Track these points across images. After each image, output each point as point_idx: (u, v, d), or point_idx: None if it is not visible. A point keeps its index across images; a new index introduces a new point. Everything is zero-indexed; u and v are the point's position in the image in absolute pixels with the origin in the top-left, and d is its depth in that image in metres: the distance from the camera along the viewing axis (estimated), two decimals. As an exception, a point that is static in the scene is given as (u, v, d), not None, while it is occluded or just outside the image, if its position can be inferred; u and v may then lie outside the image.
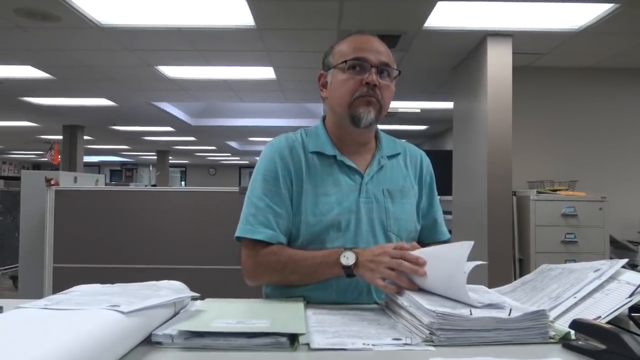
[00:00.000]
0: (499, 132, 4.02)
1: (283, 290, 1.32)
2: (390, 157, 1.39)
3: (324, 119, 1.43)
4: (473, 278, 1.15)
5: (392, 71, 1.31)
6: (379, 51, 1.30)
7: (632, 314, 0.92)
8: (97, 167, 20.42)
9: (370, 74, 1.27)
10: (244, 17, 3.72)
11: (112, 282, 1.07)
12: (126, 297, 0.90)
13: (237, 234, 1.29)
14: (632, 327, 0.89)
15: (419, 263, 1.06)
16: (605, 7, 3.46)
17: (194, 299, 1.09)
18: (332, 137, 1.37)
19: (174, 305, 0.98)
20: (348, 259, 1.14)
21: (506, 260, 3.96)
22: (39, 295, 0.93)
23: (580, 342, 0.86)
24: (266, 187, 1.29)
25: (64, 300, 0.88)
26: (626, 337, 0.77)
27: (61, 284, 1.07)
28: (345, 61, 1.28)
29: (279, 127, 9.04)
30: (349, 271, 1.14)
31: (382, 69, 1.29)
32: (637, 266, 3.73)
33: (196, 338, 0.86)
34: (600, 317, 0.93)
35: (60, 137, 9.59)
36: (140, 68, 5.18)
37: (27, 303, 0.87)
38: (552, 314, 0.98)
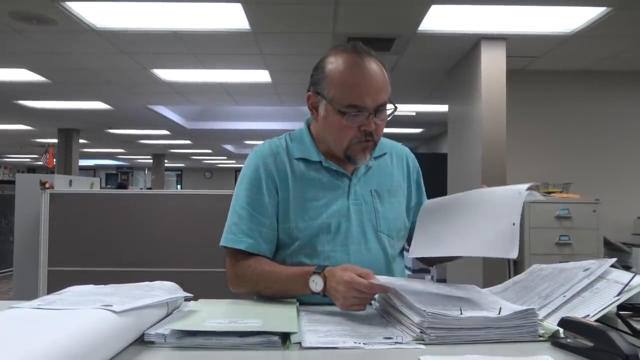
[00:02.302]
0: (494, 135, 4.04)
1: None
2: (376, 157, 1.39)
3: (308, 123, 1.40)
4: (468, 279, 1.16)
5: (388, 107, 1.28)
6: (378, 89, 1.23)
7: (620, 312, 0.93)
8: (92, 170, 20.38)
9: (369, 122, 1.23)
10: (239, 21, 3.73)
11: (107, 285, 1.07)
12: (119, 297, 0.91)
13: (221, 243, 1.31)
14: (620, 325, 0.90)
15: (385, 291, 1.07)
16: (598, 11, 3.49)
17: (187, 299, 1.09)
18: (318, 144, 1.35)
19: (166, 306, 0.99)
20: (317, 284, 1.13)
21: (501, 262, 3.97)
22: (33, 298, 0.93)
23: (568, 340, 0.87)
24: (250, 196, 1.30)
25: (57, 300, 0.89)
26: (613, 335, 0.78)
27: (56, 287, 1.07)
28: (342, 111, 1.22)
29: (274, 130, 9.04)
30: (319, 294, 1.14)
31: (378, 109, 1.24)
32: (630, 268, 3.75)
33: (188, 337, 0.86)
34: (589, 315, 0.94)
35: (56, 140, 9.57)
36: (136, 71, 5.19)
37: (19, 303, 0.87)
38: (542, 313, 0.99)
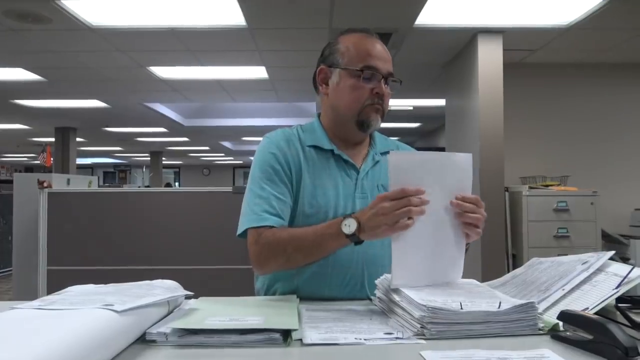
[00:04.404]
0: (491, 129, 4.04)
1: (273, 286, 1.33)
2: (383, 153, 1.42)
3: (319, 115, 1.45)
4: (466, 272, 1.16)
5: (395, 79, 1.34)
6: (387, 59, 1.33)
7: (619, 305, 0.94)
8: (90, 169, 20.35)
9: (380, 84, 1.30)
10: (236, 17, 3.72)
11: (107, 284, 1.07)
12: (120, 296, 0.91)
13: (245, 226, 1.26)
14: (619, 317, 0.91)
15: (420, 192, 1.03)
16: (595, 3, 3.48)
17: (187, 297, 1.10)
18: (329, 133, 1.39)
19: (167, 304, 0.99)
20: (350, 226, 1.09)
21: (499, 255, 3.98)
22: (32, 298, 0.93)
23: (568, 333, 0.87)
24: (266, 176, 1.30)
25: (57, 301, 0.89)
26: (612, 327, 0.78)
27: (55, 286, 1.07)
28: (361, 69, 1.29)
29: (272, 126, 8.99)
30: (355, 239, 1.10)
31: (388, 78, 1.32)
32: (628, 259, 3.75)
33: (190, 336, 0.86)
34: (588, 308, 0.94)
35: (53, 139, 9.55)
36: (132, 69, 5.17)
37: (21, 304, 0.87)
38: (542, 306, 0.99)
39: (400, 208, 1.02)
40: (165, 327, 0.88)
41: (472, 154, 1.12)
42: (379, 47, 1.33)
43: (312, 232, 1.18)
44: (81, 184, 4.53)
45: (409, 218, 1.02)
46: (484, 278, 1.26)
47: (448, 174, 1.09)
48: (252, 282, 1.44)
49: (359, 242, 1.11)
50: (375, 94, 1.30)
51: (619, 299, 0.96)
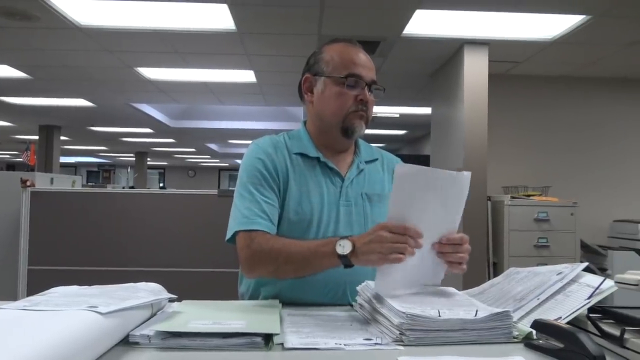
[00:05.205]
0: (475, 138, 4.10)
1: (257, 290, 1.35)
2: (368, 162, 1.45)
3: (304, 122, 1.47)
4: (449, 281, 1.19)
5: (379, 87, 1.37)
6: (370, 67, 1.36)
7: (590, 315, 0.97)
8: (73, 167, 20.12)
9: (364, 91, 1.33)
10: (225, 21, 3.73)
11: (89, 285, 1.08)
12: (104, 298, 0.92)
13: (234, 229, 1.27)
14: (590, 327, 0.94)
15: (418, 234, 1.06)
16: (578, 18, 3.56)
17: (171, 300, 1.11)
18: (315, 141, 1.41)
19: (151, 307, 1.00)
20: (344, 247, 1.10)
21: (481, 264, 4.03)
22: (11, 298, 0.94)
23: (541, 341, 0.90)
24: (255, 182, 1.32)
25: (42, 302, 0.89)
26: (582, 337, 0.81)
27: (36, 286, 1.08)
28: (345, 77, 1.32)
29: (259, 129, 9.04)
30: (345, 261, 1.11)
31: (371, 85, 1.35)
32: (605, 270, 3.78)
33: (173, 338, 0.88)
34: (561, 317, 0.97)
35: (37, 137, 9.44)
36: (120, 69, 5.15)
37: (5, 304, 0.88)
38: (517, 315, 1.03)
39: (397, 242, 1.04)
40: (149, 330, 0.90)
41: (459, 165, 1.14)
42: (362, 56, 1.36)
43: (306, 247, 1.19)
44: (65, 184, 4.48)
45: (401, 253, 1.04)
46: (465, 286, 1.29)
47: (448, 192, 1.11)
48: (235, 286, 1.45)
49: (349, 265, 1.12)
50: (359, 101, 1.33)
51: (591, 309, 0.99)
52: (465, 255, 1.15)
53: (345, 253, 1.10)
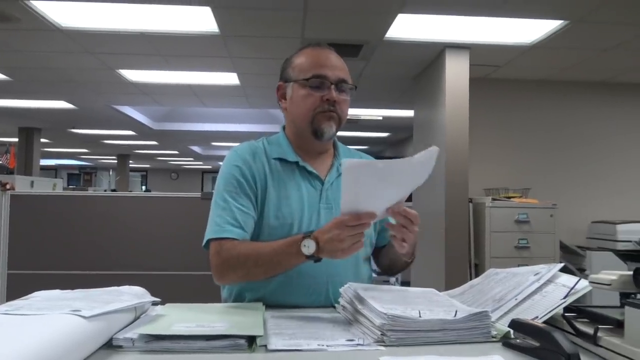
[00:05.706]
0: (457, 141, 4.15)
1: (241, 294, 1.35)
2: None
3: (284, 127, 1.48)
4: (430, 280, 1.22)
5: (348, 85, 1.38)
6: (337, 67, 1.36)
7: (566, 314, 1.00)
8: (53, 170, 19.84)
9: (330, 91, 1.34)
10: (208, 24, 3.73)
11: (71, 289, 1.08)
12: (87, 302, 0.92)
13: (207, 237, 1.29)
14: (566, 325, 0.97)
15: (372, 216, 1.12)
16: (556, 24, 3.63)
17: (154, 303, 1.11)
18: (293, 145, 1.42)
19: (134, 310, 1.01)
20: (309, 247, 1.14)
21: (462, 265, 4.08)
22: (-8, 302, 0.93)
23: (518, 340, 0.93)
24: (231, 189, 1.33)
25: (24, 306, 0.89)
26: (557, 335, 0.84)
27: (15, 290, 1.07)
28: (306, 79, 1.34)
29: (242, 132, 9.02)
30: (313, 258, 1.16)
31: (339, 84, 1.35)
32: (584, 270, 3.84)
33: (156, 341, 0.88)
34: (537, 317, 1.00)
35: (16, 139, 9.30)
36: (101, 71, 5.11)
37: (-13, 308, 0.88)
38: (495, 315, 1.05)
39: (354, 234, 1.11)
40: (132, 333, 0.90)
41: (438, 157, 1.14)
42: (328, 56, 1.37)
43: (272, 249, 1.21)
44: (45, 187, 4.43)
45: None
46: (447, 286, 1.32)
47: (405, 177, 1.15)
48: (219, 289, 1.45)
49: (318, 260, 1.17)
50: (325, 101, 1.34)
51: (567, 309, 1.02)
52: (412, 235, 1.21)
53: (309, 252, 1.15)
